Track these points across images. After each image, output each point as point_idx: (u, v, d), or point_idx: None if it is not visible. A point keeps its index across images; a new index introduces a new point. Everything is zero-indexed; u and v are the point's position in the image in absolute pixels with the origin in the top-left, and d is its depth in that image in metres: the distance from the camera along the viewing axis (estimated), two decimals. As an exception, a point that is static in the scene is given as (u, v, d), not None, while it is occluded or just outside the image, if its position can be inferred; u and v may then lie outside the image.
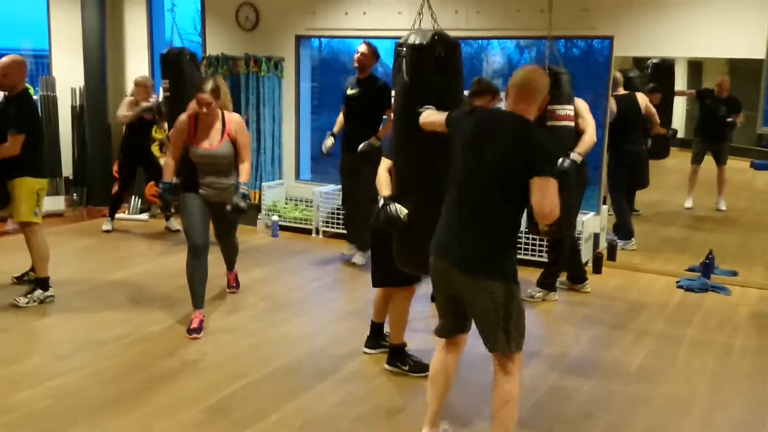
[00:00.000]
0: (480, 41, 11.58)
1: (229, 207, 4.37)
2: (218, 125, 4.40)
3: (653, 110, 6.44)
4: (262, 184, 7.26)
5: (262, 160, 7.43)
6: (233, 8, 7.47)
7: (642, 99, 6.36)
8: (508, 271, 2.76)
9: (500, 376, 2.84)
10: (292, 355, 4.14)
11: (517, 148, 2.68)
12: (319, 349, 4.26)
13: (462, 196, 2.80)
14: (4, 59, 4.68)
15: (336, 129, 5.95)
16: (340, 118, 5.93)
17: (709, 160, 6.70)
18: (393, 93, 3.57)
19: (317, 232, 6.98)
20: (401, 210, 3.27)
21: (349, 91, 5.77)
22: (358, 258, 5.90)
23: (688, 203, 6.88)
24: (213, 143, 4.38)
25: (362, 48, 5.67)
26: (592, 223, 6.06)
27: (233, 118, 4.48)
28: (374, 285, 3.95)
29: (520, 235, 5.72)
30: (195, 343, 4.29)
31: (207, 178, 4.45)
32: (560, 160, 4.46)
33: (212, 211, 4.51)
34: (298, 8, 7.16)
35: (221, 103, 4.41)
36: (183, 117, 4.44)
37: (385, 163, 3.55)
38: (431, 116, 3.13)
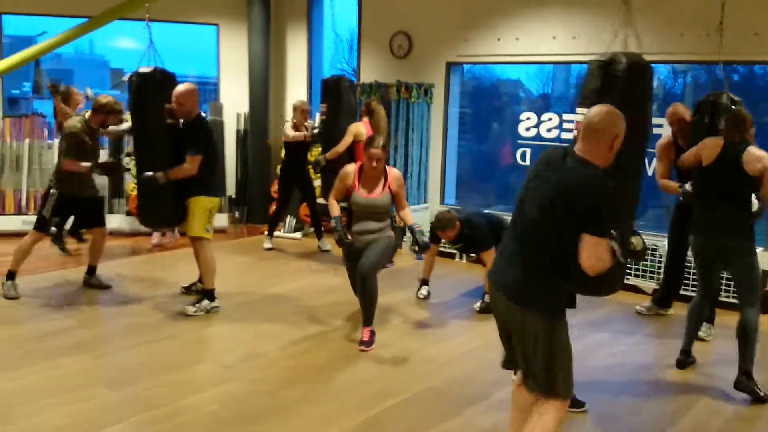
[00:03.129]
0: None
1: (415, 248, 4.66)
2: (381, 178, 4.66)
3: None
4: (408, 207, 7.39)
5: (409, 184, 7.57)
6: (387, 37, 7.73)
7: None
8: (552, 305, 2.67)
9: (535, 418, 2.70)
10: (441, 378, 4.17)
11: (570, 194, 2.60)
12: (467, 373, 4.26)
13: (517, 223, 2.79)
14: (178, 89, 5.00)
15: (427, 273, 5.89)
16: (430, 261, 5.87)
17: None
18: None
19: (461, 257, 6.99)
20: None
21: (453, 247, 5.78)
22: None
23: None
24: (375, 193, 4.63)
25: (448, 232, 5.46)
26: (761, 258, 5.62)
27: (394, 174, 4.73)
28: None
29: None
30: (347, 359, 4.42)
31: (360, 224, 4.67)
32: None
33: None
34: (450, 35, 7.28)
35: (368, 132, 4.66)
36: (350, 168, 4.73)
37: None
38: None
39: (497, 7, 6.94)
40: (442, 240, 5.60)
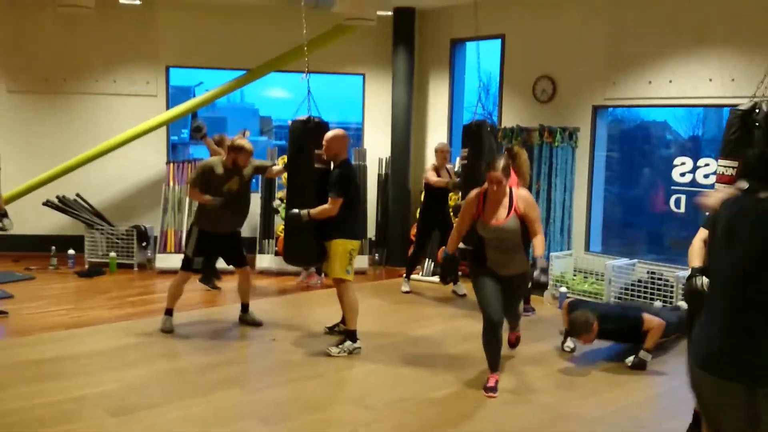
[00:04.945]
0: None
1: (530, 283, 4.44)
2: (506, 201, 4.49)
3: None
4: (551, 254, 7.21)
5: (551, 230, 7.40)
6: (531, 82, 7.70)
7: None
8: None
9: None
10: (590, 437, 3.98)
11: None
12: (618, 433, 4.04)
13: (722, 290, 2.51)
14: (329, 133, 5.26)
15: None
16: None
17: None
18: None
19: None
20: (708, 284, 2.95)
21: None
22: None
23: None
24: (500, 219, 4.46)
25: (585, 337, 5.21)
26: None
27: (521, 194, 4.55)
28: None
29: None
30: (490, 409, 4.33)
31: (493, 254, 4.54)
32: None
33: (502, 285, 4.56)
34: (597, 79, 7.13)
35: (513, 179, 4.55)
36: (472, 194, 4.61)
37: (701, 233, 3.32)
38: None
39: (648, 50, 6.73)
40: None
